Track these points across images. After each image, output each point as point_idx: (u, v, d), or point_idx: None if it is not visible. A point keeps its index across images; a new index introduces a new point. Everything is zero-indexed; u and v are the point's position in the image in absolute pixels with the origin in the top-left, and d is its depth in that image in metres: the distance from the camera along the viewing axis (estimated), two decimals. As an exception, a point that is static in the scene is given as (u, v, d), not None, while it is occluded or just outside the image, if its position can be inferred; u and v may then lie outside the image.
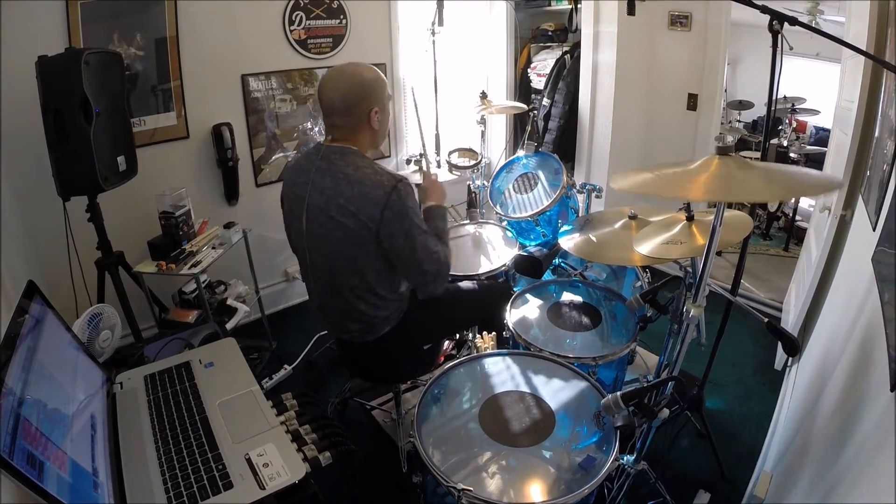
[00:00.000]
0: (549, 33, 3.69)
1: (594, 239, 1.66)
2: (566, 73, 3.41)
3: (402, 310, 1.58)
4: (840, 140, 2.11)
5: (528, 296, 1.91)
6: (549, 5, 3.67)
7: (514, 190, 2.39)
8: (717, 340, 1.87)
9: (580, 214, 2.30)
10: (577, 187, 2.30)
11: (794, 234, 3.56)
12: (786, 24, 1.38)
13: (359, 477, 1.75)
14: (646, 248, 1.36)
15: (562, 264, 2.21)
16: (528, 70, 3.72)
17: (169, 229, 2.11)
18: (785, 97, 3.88)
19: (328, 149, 1.44)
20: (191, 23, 2.29)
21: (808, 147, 3.73)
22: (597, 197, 2.35)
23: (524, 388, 1.40)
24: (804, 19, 2.53)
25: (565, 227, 1.79)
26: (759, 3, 1.38)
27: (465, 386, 1.43)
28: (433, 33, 2.66)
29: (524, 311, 1.84)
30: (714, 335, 1.86)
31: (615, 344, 1.66)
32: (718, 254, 3.09)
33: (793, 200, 3.63)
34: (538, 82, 3.64)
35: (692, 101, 2.97)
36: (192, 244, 2.17)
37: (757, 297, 2.92)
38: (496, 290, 1.89)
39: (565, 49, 3.50)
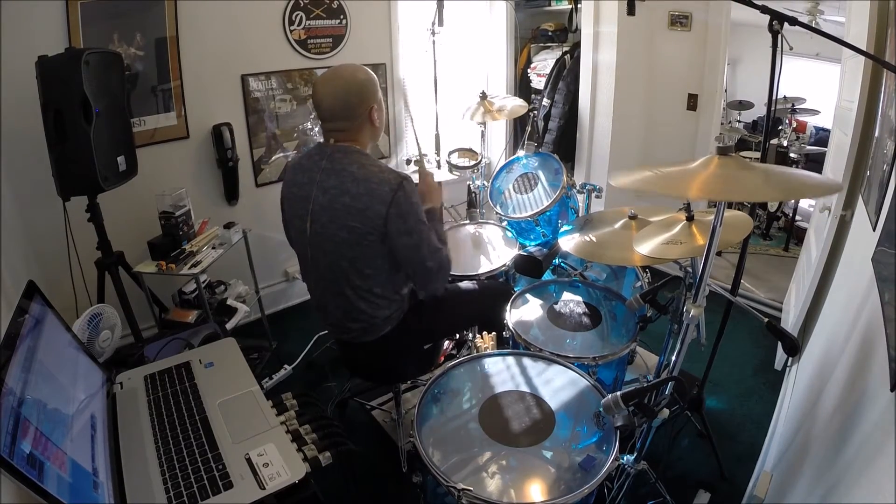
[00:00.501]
0: (549, 33, 3.69)
1: (594, 239, 1.66)
2: (566, 73, 3.41)
3: (402, 310, 1.59)
4: (840, 140, 2.11)
5: (528, 296, 1.91)
6: (549, 5, 3.67)
7: (514, 190, 2.39)
8: (717, 340, 1.87)
9: (580, 214, 2.30)
10: (577, 187, 2.30)
11: (794, 234, 3.56)
12: (786, 24, 1.38)
13: (359, 477, 1.75)
14: (646, 248, 1.36)
15: (562, 264, 2.21)
16: (528, 70, 3.72)
17: (169, 229, 2.11)
18: (785, 97, 3.88)
19: (332, 148, 1.44)
20: (191, 23, 2.29)
21: (808, 147, 3.73)
22: (597, 197, 2.35)
23: (524, 388, 1.40)
24: (804, 19, 2.54)
25: (565, 227, 1.79)
26: (759, 3, 1.38)
27: (465, 386, 1.43)
28: (433, 33, 2.66)
29: (524, 311, 1.84)
30: (714, 335, 1.86)
31: (615, 344, 1.66)
32: (718, 254, 3.09)
33: (793, 200, 3.63)
34: (538, 82, 3.64)
35: (692, 101, 2.97)
36: (192, 244, 2.17)
37: (757, 297, 2.92)
38: (496, 290, 1.89)
39: (565, 49, 3.50)
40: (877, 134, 1.64)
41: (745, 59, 4.44)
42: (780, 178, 1.07)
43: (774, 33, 1.41)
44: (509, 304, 1.81)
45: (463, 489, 1.07)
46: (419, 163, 1.88)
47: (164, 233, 2.12)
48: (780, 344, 1.99)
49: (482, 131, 2.82)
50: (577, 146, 3.42)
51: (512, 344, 1.71)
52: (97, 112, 1.69)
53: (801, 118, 4.09)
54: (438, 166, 2.78)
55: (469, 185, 2.65)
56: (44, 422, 0.88)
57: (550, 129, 3.50)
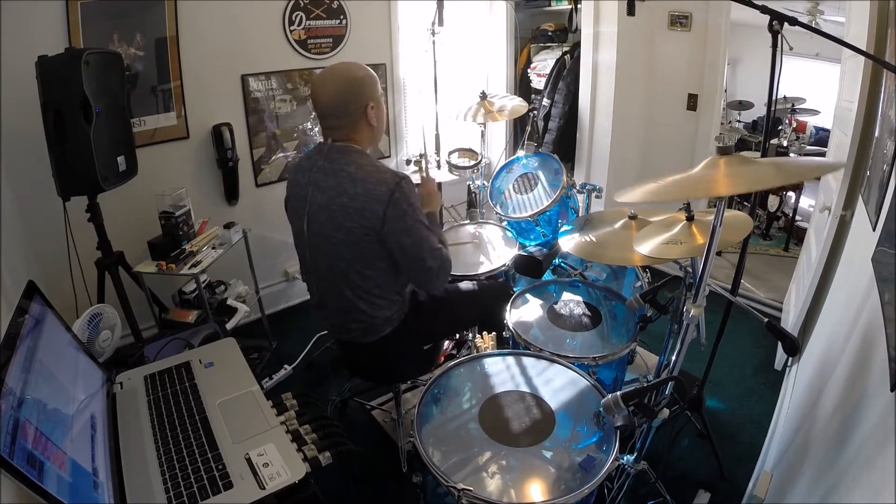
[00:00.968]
0: (549, 33, 3.69)
1: (594, 239, 1.66)
2: (566, 73, 3.41)
3: (402, 311, 1.58)
4: (840, 140, 2.11)
5: (528, 296, 1.91)
6: (549, 5, 3.67)
7: (514, 190, 2.39)
8: (717, 340, 1.87)
9: (580, 214, 2.30)
10: (577, 187, 2.30)
11: (794, 234, 3.56)
12: (786, 24, 1.38)
13: (359, 477, 1.75)
14: (646, 248, 1.36)
15: (562, 264, 2.21)
16: (528, 70, 3.72)
17: (169, 229, 2.11)
18: (785, 97, 3.89)
19: (330, 147, 1.44)
20: (191, 23, 2.29)
21: (808, 147, 3.74)
22: (597, 197, 2.35)
23: (524, 388, 1.40)
24: (804, 19, 2.53)
25: (565, 227, 1.79)
26: (759, 3, 1.38)
27: (465, 386, 1.43)
28: (433, 33, 2.66)
29: (524, 311, 1.84)
30: (714, 335, 1.86)
31: (615, 344, 1.66)
32: (718, 254, 3.09)
33: (793, 200, 3.63)
34: (538, 82, 3.64)
35: (692, 102, 2.97)
36: (192, 244, 2.17)
37: (757, 297, 2.92)
38: (496, 290, 1.89)
39: (565, 49, 3.50)
40: (877, 134, 1.64)
41: (745, 59, 4.44)
42: (787, 165, 1.13)
43: (774, 33, 1.42)
44: (509, 304, 1.81)
45: (463, 489, 1.07)
46: (420, 163, 1.88)
47: (164, 233, 2.12)
48: (780, 344, 2.00)
49: (482, 131, 2.81)
50: (577, 146, 3.42)
51: (512, 344, 1.71)
52: (97, 112, 1.69)
53: (801, 118, 4.09)
54: (438, 166, 2.78)
55: (469, 185, 2.65)
56: (44, 422, 0.88)
57: (550, 129, 3.50)
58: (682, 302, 1.50)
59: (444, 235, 1.61)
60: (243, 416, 1.18)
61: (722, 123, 3.84)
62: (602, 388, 1.38)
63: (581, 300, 1.89)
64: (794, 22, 1.37)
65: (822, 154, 3.06)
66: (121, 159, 1.87)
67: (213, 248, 2.19)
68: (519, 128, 3.65)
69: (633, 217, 1.67)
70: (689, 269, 1.49)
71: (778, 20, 1.39)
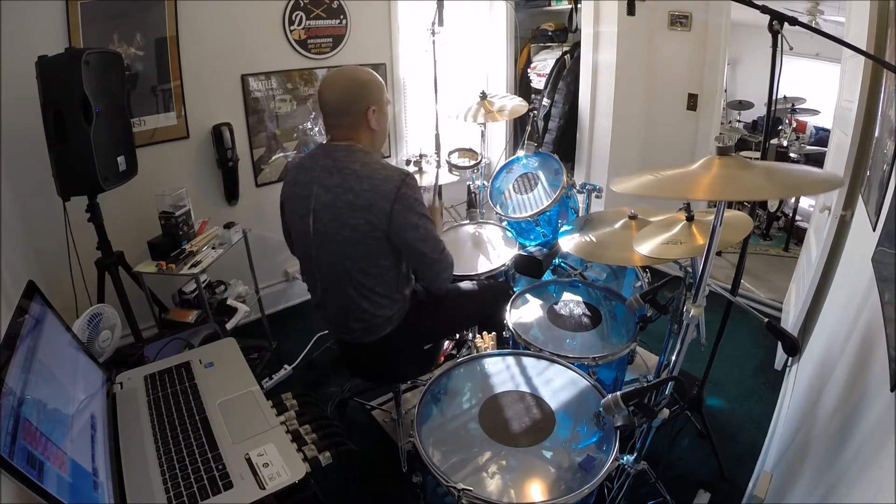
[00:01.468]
0: (549, 33, 3.69)
1: (594, 239, 1.66)
2: (566, 73, 3.41)
3: (403, 310, 1.59)
4: (840, 140, 2.11)
5: (528, 296, 1.91)
6: (549, 5, 3.67)
7: (514, 190, 2.39)
8: (717, 340, 1.87)
9: (580, 214, 2.30)
10: (577, 187, 2.30)
11: (794, 234, 3.56)
12: (786, 24, 1.38)
13: (359, 477, 1.75)
14: (646, 248, 1.36)
15: (562, 264, 2.21)
16: (528, 70, 3.72)
17: (169, 229, 2.11)
18: (785, 97, 3.88)
19: (333, 147, 1.45)
20: (191, 23, 2.29)
21: (808, 147, 3.73)
22: (597, 197, 2.35)
23: (524, 388, 1.40)
24: (804, 19, 2.53)
25: (565, 227, 1.79)
26: (759, 3, 1.38)
27: (465, 386, 1.43)
28: (433, 33, 2.66)
29: (524, 311, 1.84)
30: (714, 335, 1.86)
31: (615, 344, 1.66)
32: (718, 254, 3.09)
33: (793, 200, 3.63)
34: (538, 82, 3.64)
35: (692, 101, 2.97)
36: (192, 244, 2.17)
37: (757, 297, 2.92)
38: (496, 290, 1.89)
39: (565, 49, 3.50)
40: (877, 134, 1.64)
41: (745, 59, 4.43)
42: (783, 175, 1.09)
43: (774, 33, 1.41)
44: (509, 304, 1.81)
45: (463, 489, 1.07)
46: (419, 163, 1.88)
47: (164, 233, 2.12)
48: (780, 344, 1.99)
49: (482, 131, 2.81)
50: (577, 146, 3.42)
51: (512, 344, 1.71)
52: (97, 112, 1.69)
53: (801, 118, 4.08)
54: (438, 166, 2.78)
55: (469, 185, 2.65)
56: (44, 422, 0.88)
57: (550, 129, 3.50)
58: (682, 302, 1.50)
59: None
60: (243, 416, 1.18)
61: (722, 123, 3.84)
62: (602, 388, 1.38)
63: (581, 300, 1.89)
64: (794, 22, 1.37)
65: (823, 154, 3.06)
66: (121, 159, 1.87)
67: (213, 248, 2.19)
68: (519, 128, 3.65)
69: (633, 217, 1.67)
70: (689, 269, 1.49)
71: (778, 20, 1.39)
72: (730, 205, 1.19)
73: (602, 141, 3.24)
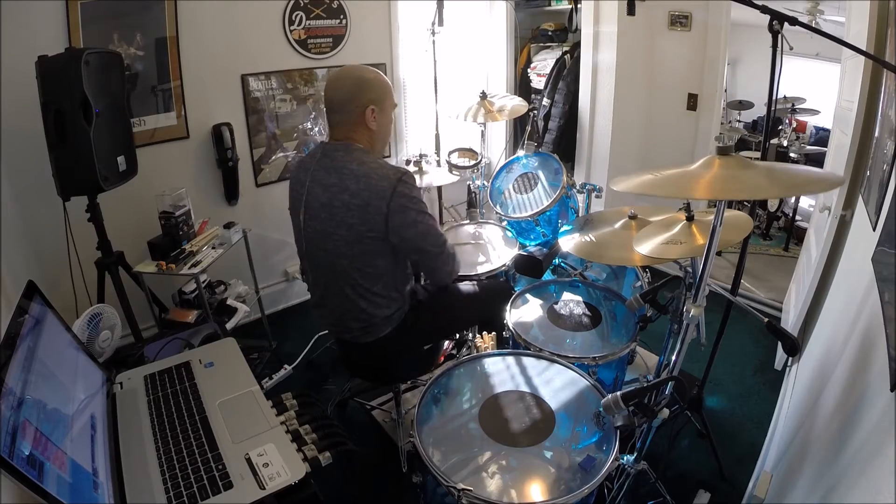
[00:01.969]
0: (549, 33, 3.69)
1: (594, 239, 1.66)
2: (566, 73, 3.41)
3: (402, 310, 1.59)
4: (840, 140, 2.11)
5: (528, 296, 1.91)
6: (549, 5, 3.67)
7: (514, 190, 2.39)
8: (717, 340, 1.87)
9: (580, 214, 2.30)
10: (577, 187, 2.30)
11: (794, 234, 3.56)
12: (786, 24, 1.38)
13: (359, 477, 1.75)
14: (646, 248, 1.36)
15: (562, 264, 2.21)
16: (528, 70, 3.72)
17: (169, 229, 2.11)
18: (785, 97, 3.88)
19: (331, 146, 1.45)
20: (191, 23, 2.29)
21: (808, 147, 3.73)
22: (597, 197, 2.35)
23: (524, 388, 1.40)
24: (804, 19, 2.53)
25: (565, 227, 1.79)
26: (759, 3, 1.38)
27: (465, 386, 1.43)
28: (433, 33, 2.66)
29: (524, 311, 1.84)
30: (714, 335, 1.86)
31: (615, 344, 1.66)
32: (718, 254, 3.09)
33: (793, 200, 3.63)
34: (538, 82, 3.64)
35: (692, 101, 2.97)
36: (192, 244, 2.17)
37: (757, 297, 2.92)
38: (496, 290, 1.89)
39: (565, 49, 3.50)
40: (877, 134, 1.64)
41: (745, 59, 4.43)
42: (783, 175, 1.09)
43: (774, 33, 1.41)
44: (509, 304, 1.81)
45: (463, 489, 1.07)
46: (419, 163, 1.87)
47: (164, 233, 2.12)
48: (780, 344, 2.00)
49: (482, 131, 2.81)
50: (577, 146, 3.42)
51: (512, 344, 1.71)
52: (97, 112, 1.69)
53: (801, 118, 4.08)
54: (438, 166, 2.78)
55: (469, 185, 2.65)
56: (44, 422, 0.88)
57: (550, 129, 3.50)
58: (682, 302, 1.50)
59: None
60: (243, 416, 1.18)
61: (722, 123, 3.84)
62: (602, 388, 1.38)
63: (581, 300, 1.89)
64: (794, 22, 1.37)
65: (823, 154, 3.06)
66: (121, 159, 1.87)
67: (213, 248, 2.19)
68: (519, 128, 3.65)
69: (633, 217, 1.67)
70: (689, 269, 1.49)
71: (778, 20, 1.39)
72: (730, 205, 1.19)
73: (602, 141, 3.24)
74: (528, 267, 2.03)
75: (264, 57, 2.54)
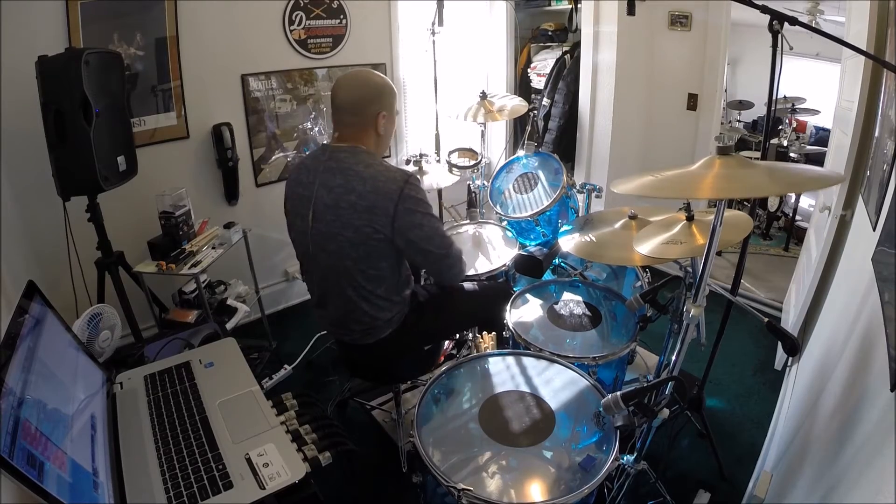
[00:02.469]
0: (549, 33, 3.69)
1: (594, 239, 1.66)
2: (566, 73, 3.41)
3: (403, 313, 1.59)
4: (840, 140, 2.11)
5: (528, 296, 1.91)
6: (549, 5, 3.67)
7: (514, 190, 2.39)
8: (717, 340, 1.87)
9: (580, 214, 2.30)
10: (577, 187, 2.30)
11: (794, 234, 3.56)
12: (786, 24, 1.38)
13: (359, 477, 1.75)
14: (646, 248, 1.36)
15: (562, 264, 2.21)
16: (528, 70, 3.72)
17: (169, 229, 2.11)
18: (785, 97, 3.88)
19: (336, 148, 1.46)
20: (191, 23, 2.29)
21: (808, 147, 3.73)
22: (597, 197, 2.35)
23: (524, 388, 1.40)
24: (804, 19, 2.53)
25: (565, 227, 1.79)
26: (759, 3, 1.38)
27: (465, 386, 1.43)
28: (433, 33, 2.66)
29: (524, 311, 1.84)
30: (714, 335, 1.86)
31: (615, 344, 1.66)
32: (718, 254, 3.09)
33: (793, 200, 3.63)
34: (538, 82, 3.64)
35: (692, 101, 2.97)
36: (192, 244, 2.17)
37: (757, 297, 2.92)
38: (496, 290, 1.89)
39: (565, 49, 3.50)
40: (877, 134, 1.64)
41: (745, 59, 4.43)
42: (784, 173, 1.10)
43: (774, 33, 1.41)
44: (509, 304, 1.81)
45: (463, 489, 1.07)
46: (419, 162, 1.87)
47: (164, 233, 2.12)
48: (780, 344, 2.00)
49: (482, 131, 2.81)
50: (577, 146, 3.41)
51: (512, 344, 1.71)
52: (97, 112, 1.69)
53: (801, 118, 4.08)
54: (438, 163, 2.78)
55: (469, 185, 2.65)
56: (44, 422, 0.88)
57: (550, 129, 3.50)
58: (682, 302, 1.50)
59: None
60: (243, 416, 1.18)
61: (722, 123, 3.84)
62: (602, 388, 1.38)
63: (581, 300, 1.89)
64: (794, 22, 1.37)
65: (823, 154, 3.06)
66: (121, 159, 1.87)
67: (213, 248, 2.19)
68: (519, 128, 3.65)
69: (633, 217, 1.67)
70: (689, 269, 1.49)
71: (778, 20, 1.39)
72: (730, 204, 1.19)
73: (602, 141, 3.24)
74: (529, 267, 2.03)
75: (264, 57, 2.54)
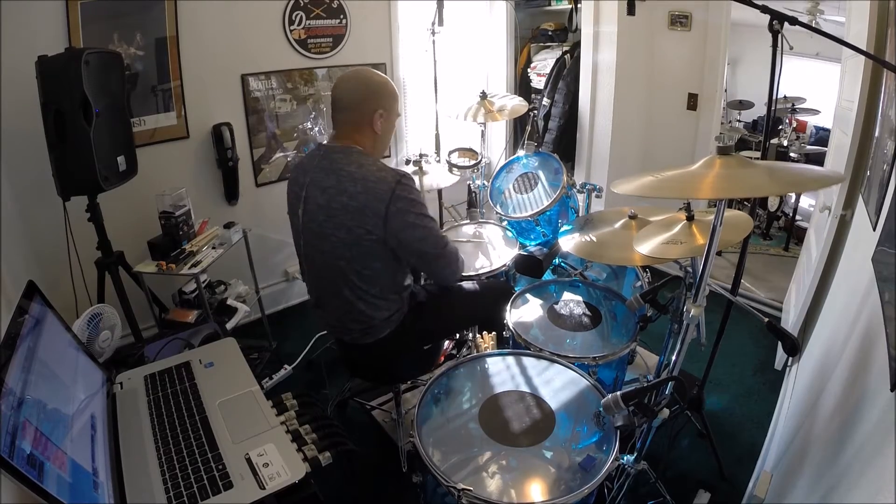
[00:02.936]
0: (549, 33, 3.69)
1: (594, 239, 1.66)
2: (566, 73, 3.41)
3: (402, 312, 1.58)
4: (840, 140, 2.11)
5: (528, 296, 1.91)
6: (549, 5, 3.67)
7: (514, 190, 2.39)
8: (717, 340, 1.87)
9: (580, 214, 2.30)
10: (577, 187, 2.30)
11: (794, 234, 3.56)
12: (786, 24, 1.38)
13: (359, 477, 1.75)
14: (646, 247, 1.36)
15: (562, 264, 2.21)
16: (528, 70, 3.72)
17: (169, 229, 2.11)
18: (785, 97, 3.88)
19: (331, 148, 1.45)
20: (191, 23, 2.29)
21: (808, 147, 3.73)
22: (597, 197, 2.35)
23: (524, 388, 1.40)
24: (804, 19, 2.53)
25: (565, 227, 1.79)
26: (759, 3, 1.38)
27: (465, 386, 1.43)
28: (433, 33, 2.66)
29: (524, 311, 1.84)
30: (714, 335, 1.86)
31: (615, 344, 1.66)
32: (718, 254, 3.09)
33: (793, 200, 3.63)
34: (538, 82, 3.64)
35: (692, 101, 2.97)
36: (192, 244, 2.17)
37: (757, 297, 2.92)
38: (496, 289, 1.89)
39: (565, 49, 3.50)
40: (877, 134, 1.64)
41: (745, 59, 4.43)
42: (784, 173, 1.10)
43: (774, 33, 1.41)
44: (509, 303, 1.81)
45: (463, 489, 1.07)
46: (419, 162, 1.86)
47: (164, 233, 2.12)
48: (780, 344, 1.99)
49: (482, 131, 2.81)
50: (577, 146, 3.41)
51: (512, 344, 1.71)
52: (97, 112, 1.69)
53: (801, 118, 4.08)
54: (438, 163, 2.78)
55: (469, 184, 2.65)
56: (44, 422, 0.88)
57: (550, 129, 3.50)
58: (682, 302, 1.50)
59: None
60: (243, 416, 1.18)
61: (722, 123, 3.84)
62: (602, 388, 1.38)
63: (581, 300, 1.89)
64: (794, 22, 1.37)
65: (823, 154, 3.06)
66: (121, 159, 1.87)
67: (213, 247, 2.19)
68: (519, 127, 3.65)
69: (633, 217, 1.67)
70: (689, 269, 1.49)
71: (778, 20, 1.39)
72: (730, 204, 1.19)
73: (602, 141, 3.24)
74: (529, 267, 2.03)
75: (264, 57, 2.54)
